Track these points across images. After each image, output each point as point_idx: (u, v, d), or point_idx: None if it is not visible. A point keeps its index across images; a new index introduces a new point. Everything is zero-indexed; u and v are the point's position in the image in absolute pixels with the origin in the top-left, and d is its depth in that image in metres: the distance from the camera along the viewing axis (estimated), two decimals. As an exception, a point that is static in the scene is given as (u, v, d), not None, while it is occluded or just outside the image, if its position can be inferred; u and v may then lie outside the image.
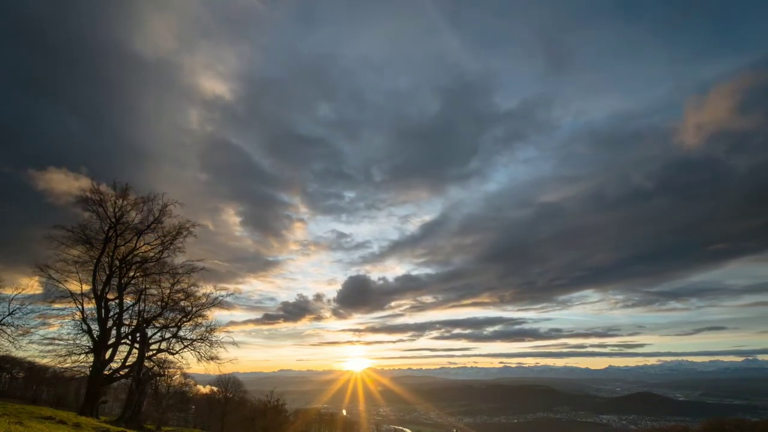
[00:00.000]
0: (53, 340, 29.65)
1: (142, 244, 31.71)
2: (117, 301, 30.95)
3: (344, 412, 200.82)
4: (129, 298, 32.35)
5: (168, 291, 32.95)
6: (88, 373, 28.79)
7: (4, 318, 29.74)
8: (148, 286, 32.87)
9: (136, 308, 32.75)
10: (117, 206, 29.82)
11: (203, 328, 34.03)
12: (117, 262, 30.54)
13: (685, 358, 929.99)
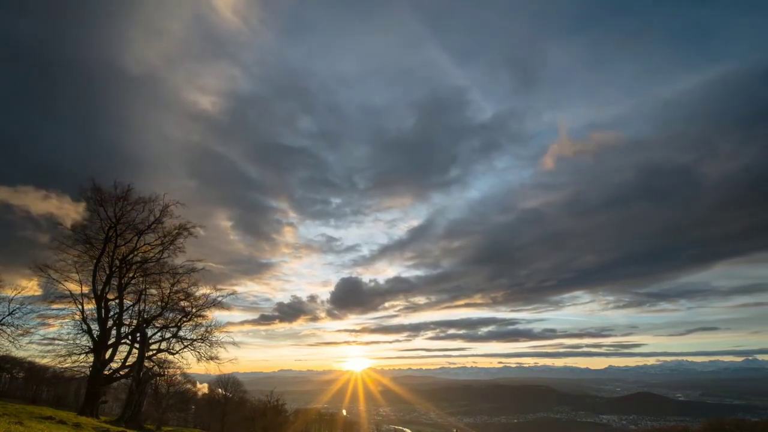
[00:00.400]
0: (53, 340, 29.73)
1: (142, 244, 31.74)
2: (117, 301, 30.95)
3: (344, 412, 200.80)
4: (129, 298, 32.37)
5: (168, 291, 33.00)
6: (88, 373, 28.80)
7: (4, 318, 29.76)
8: (148, 286, 32.91)
9: (136, 308, 32.79)
10: (117, 206, 29.84)
11: (203, 328, 34.10)
12: (117, 262, 30.54)
13: (683, 358, 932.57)
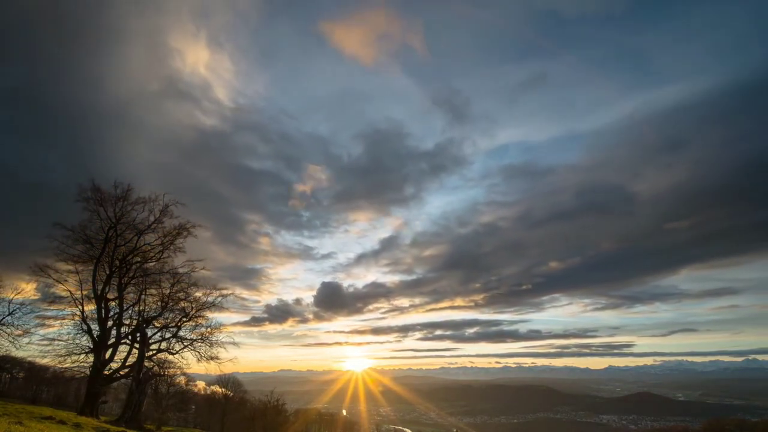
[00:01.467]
0: (53, 340, 29.65)
1: (142, 244, 31.73)
2: (117, 301, 30.95)
3: (344, 412, 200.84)
4: (129, 299, 32.36)
5: (168, 291, 32.99)
6: (88, 373, 28.79)
7: (4, 318, 29.78)
8: (148, 286, 32.88)
9: (136, 308, 32.79)
10: (117, 206, 29.83)
11: (203, 329, 34.11)
12: (117, 263, 30.53)
13: (682, 358, 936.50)
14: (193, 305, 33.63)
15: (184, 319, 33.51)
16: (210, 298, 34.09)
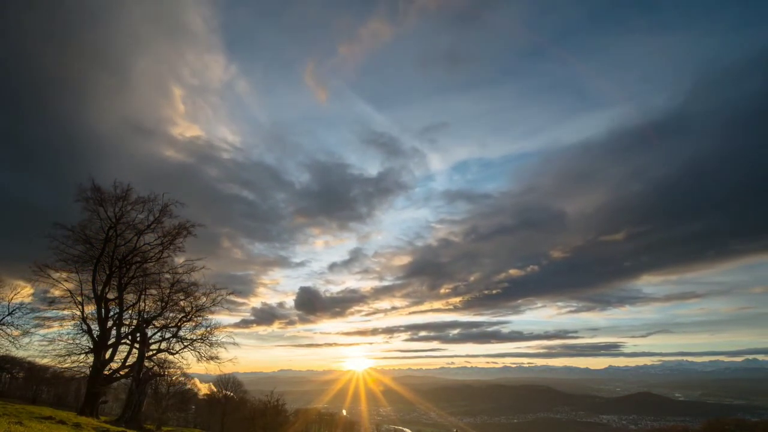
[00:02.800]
0: (53, 340, 29.60)
1: (142, 244, 31.73)
2: (117, 301, 30.95)
3: (344, 412, 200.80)
4: (129, 299, 32.35)
5: (168, 291, 32.97)
6: (88, 373, 28.79)
7: (4, 318, 29.81)
8: (147, 286, 32.88)
9: (136, 308, 32.77)
10: (117, 206, 29.83)
11: (203, 329, 34.07)
12: (117, 262, 30.53)
13: (682, 358, 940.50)
14: (193, 305, 33.62)
15: (184, 319, 33.48)
16: (210, 298, 34.09)
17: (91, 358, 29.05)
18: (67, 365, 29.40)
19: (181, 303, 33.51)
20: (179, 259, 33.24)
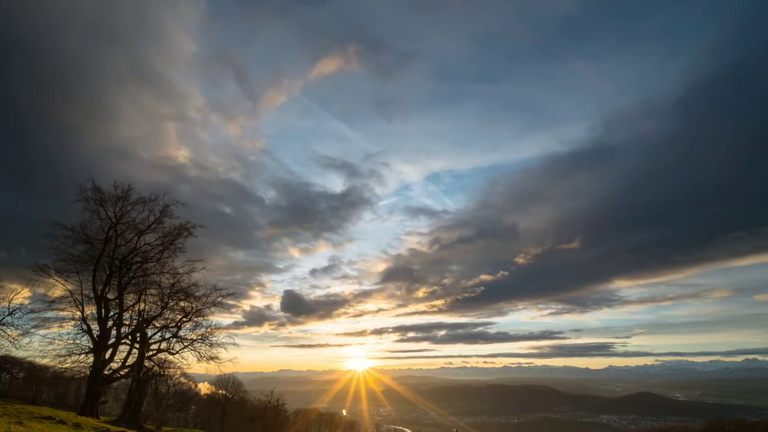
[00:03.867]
0: (53, 341, 29.60)
1: (142, 244, 31.73)
2: (117, 301, 30.95)
3: (344, 412, 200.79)
4: (129, 299, 32.35)
5: (168, 291, 32.97)
6: (88, 373, 28.79)
7: (4, 318, 29.79)
8: (148, 286, 32.88)
9: (136, 308, 32.77)
10: (117, 206, 29.83)
11: (203, 329, 34.08)
12: (117, 263, 30.53)
13: (681, 358, 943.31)
14: (193, 305, 33.62)
15: (184, 319, 33.49)
16: (210, 298, 34.10)
17: (91, 358, 29.05)
18: (67, 365, 29.44)
19: (181, 303, 33.53)
20: (179, 260, 33.26)
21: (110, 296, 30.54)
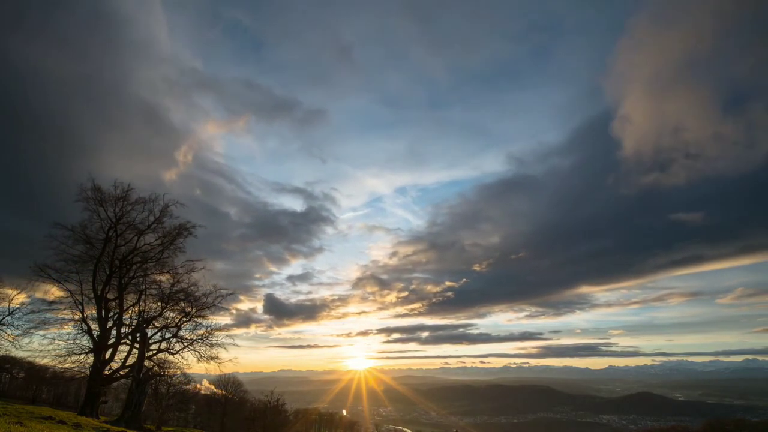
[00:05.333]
0: (53, 341, 29.58)
1: (142, 244, 31.71)
2: (117, 301, 30.94)
3: (344, 412, 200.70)
4: (129, 299, 32.33)
5: (168, 291, 32.96)
6: (88, 373, 28.78)
7: (4, 318, 29.81)
8: (148, 286, 32.88)
9: (136, 308, 32.76)
10: (117, 206, 29.83)
11: (203, 329, 34.06)
12: (117, 262, 30.52)
13: (681, 358, 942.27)
14: (193, 305, 33.61)
15: (184, 319, 33.48)
16: (210, 298, 34.08)
17: (91, 358, 29.04)
18: (67, 365, 29.41)
19: (181, 303, 33.52)
20: (179, 260, 33.25)
21: (110, 296, 30.52)
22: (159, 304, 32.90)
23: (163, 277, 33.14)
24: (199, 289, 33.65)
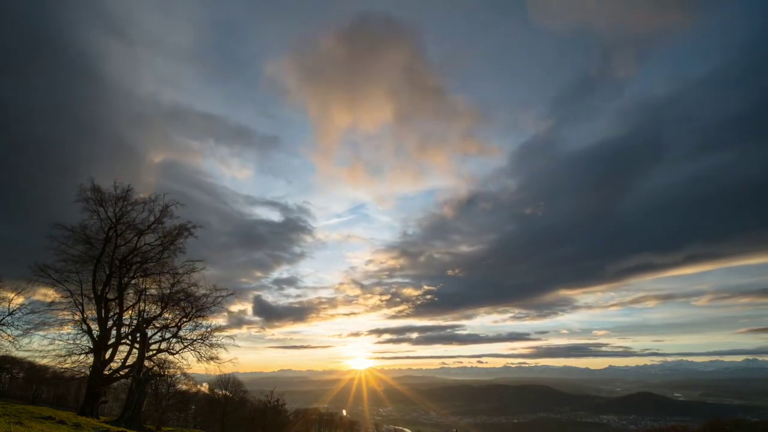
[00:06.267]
0: (53, 341, 29.56)
1: (142, 244, 31.70)
2: (117, 301, 30.94)
3: (344, 412, 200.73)
4: (129, 299, 32.32)
5: (168, 291, 32.94)
6: (88, 373, 28.77)
7: (4, 318, 29.79)
8: (148, 286, 32.86)
9: (136, 308, 32.75)
10: (117, 206, 29.82)
11: (203, 329, 34.04)
12: (117, 263, 30.50)
13: (681, 358, 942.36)
14: (193, 305, 33.59)
15: (184, 320, 33.45)
16: (210, 299, 34.06)
17: (91, 359, 29.03)
18: (67, 365, 29.35)
19: (181, 303, 33.50)
20: (179, 260, 33.24)
21: (110, 296, 30.51)
22: (159, 304, 32.89)
23: (163, 277, 33.11)
24: (198, 289, 33.66)
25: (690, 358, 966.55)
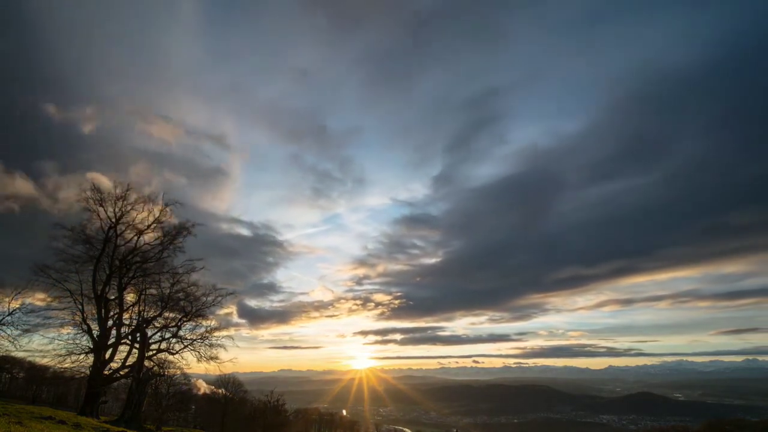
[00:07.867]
0: (53, 340, 29.56)
1: (142, 244, 31.73)
2: (117, 301, 30.93)
3: (344, 412, 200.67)
4: (129, 299, 32.35)
5: (168, 291, 32.96)
6: (88, 373, 28.78)
7: (4, 318, 29.73)
8: (148, 286, 32.87)
9: (136, 308, 32.76)
10: (117, 206, 29.84)
11: (203, 329, 34.08)
12: (117, 262, 30.52)
13: (681, 358, 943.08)
14: (193, 305, 33.60)
15: (184, 319, 33.47)
16: (210, 298, 34.08)
17: (91, 358, 29.04)
18: (67, 365, 29.37)
19: (181, 303, 33.51)
20: (179, 259, 33.27)
21: (110, 296, 30.52)
22: (159, 304, 32.90)
23: (163, 277, 33.13)
24: (198, 288, 33.69)
25: (672, 359, 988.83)
